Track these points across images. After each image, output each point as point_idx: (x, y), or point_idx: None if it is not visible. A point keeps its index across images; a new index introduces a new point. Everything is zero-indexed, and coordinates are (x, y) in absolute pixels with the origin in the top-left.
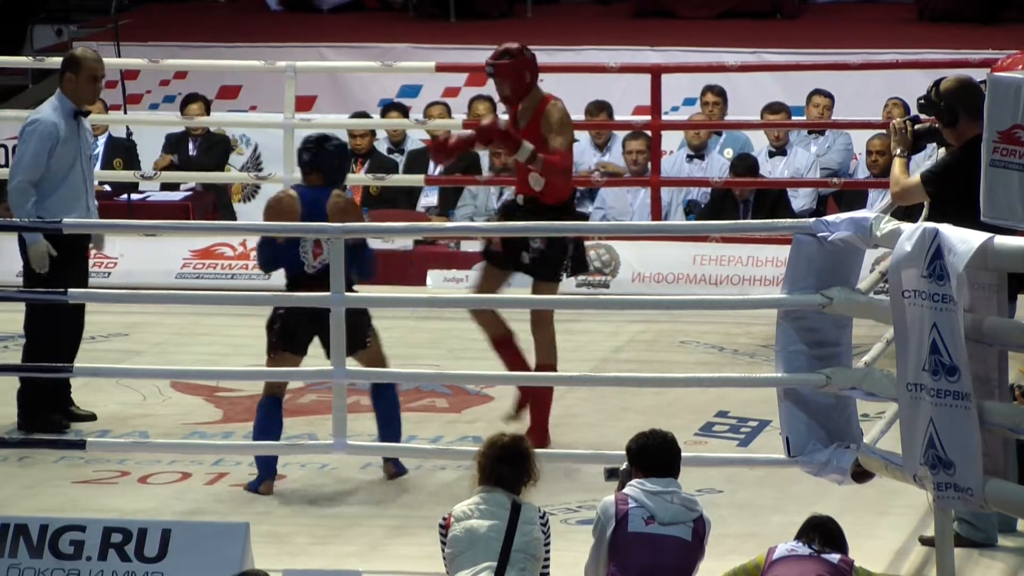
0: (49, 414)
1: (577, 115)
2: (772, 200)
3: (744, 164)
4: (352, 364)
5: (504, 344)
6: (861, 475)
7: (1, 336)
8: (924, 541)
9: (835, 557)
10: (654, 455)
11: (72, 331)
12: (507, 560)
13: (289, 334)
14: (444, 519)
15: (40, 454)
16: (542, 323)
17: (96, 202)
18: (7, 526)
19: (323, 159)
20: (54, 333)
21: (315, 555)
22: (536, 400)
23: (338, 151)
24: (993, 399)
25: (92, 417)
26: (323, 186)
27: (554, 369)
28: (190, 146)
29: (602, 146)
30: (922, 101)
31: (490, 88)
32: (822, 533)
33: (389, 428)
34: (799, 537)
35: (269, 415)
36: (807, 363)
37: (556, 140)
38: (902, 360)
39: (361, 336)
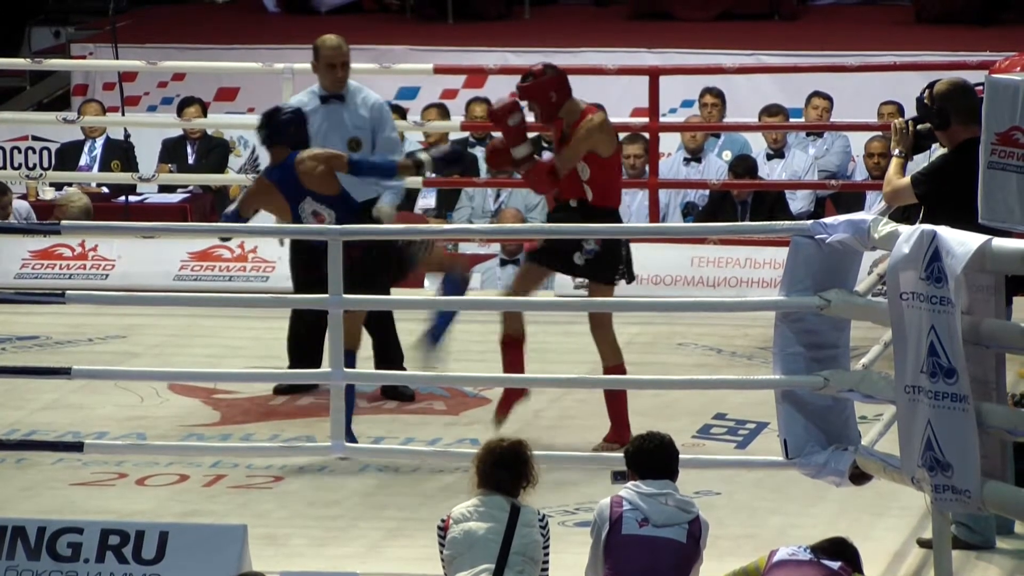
0: None
1: None
2: (770, 202)
3: (743, 165)
4: None
5: (514, 345)
6: (859, 477)
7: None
8: (922, 543)
9: (835, 564)
10: (650, 458)
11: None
12: (505, 563)
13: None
14: (443, 521)
15: (37, 456)
16: (601, 327)
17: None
18: (4, 528)
19: (279, 130)
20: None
21: (313, 557)
22: (614, 399)
23: (293, 117)
24: (991, 401)
25: None
26: (287, 157)
27: (623, 370)
28: (188, 152)
29: None
30: (918, 103)
31: (487, 90)
32: (834, 546)
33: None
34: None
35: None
36: (805, 365)
37: (566, 154)
38: (900, 362)
39: (408, 265)
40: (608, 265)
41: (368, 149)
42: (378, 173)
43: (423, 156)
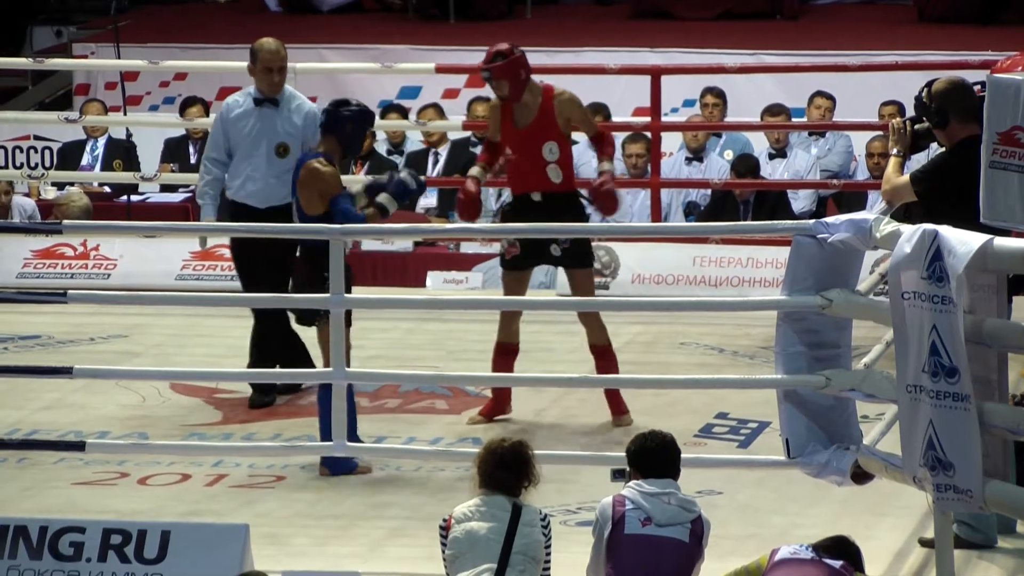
0: None
1: None
2: (772, 202)
3: (745, 164)
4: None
5: (508, 352)
6: (861, 476)
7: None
8: (924, 543)
9: (836, 563)
10: (652, 457)
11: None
12: (507, 562)
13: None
14: (444, 520)
15: (39, 455)
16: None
17: (265, 188)
18: (6, 527)
19: (338, 122)
20: (283, 335)
21: (315, 556)
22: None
23: (355, 115)
24: (993, 401)
25: None
26: (321, 152)
27: (611, 349)
28: (190, 152)
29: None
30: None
31: (489, 90)
32: (836, 544)
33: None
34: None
35: None
36: (807, 365)
37: (587, 123)
38: (902, 362)
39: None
40: (585, 250)
41: (296, 155)
42: (346, 222)
43: (383, 200)
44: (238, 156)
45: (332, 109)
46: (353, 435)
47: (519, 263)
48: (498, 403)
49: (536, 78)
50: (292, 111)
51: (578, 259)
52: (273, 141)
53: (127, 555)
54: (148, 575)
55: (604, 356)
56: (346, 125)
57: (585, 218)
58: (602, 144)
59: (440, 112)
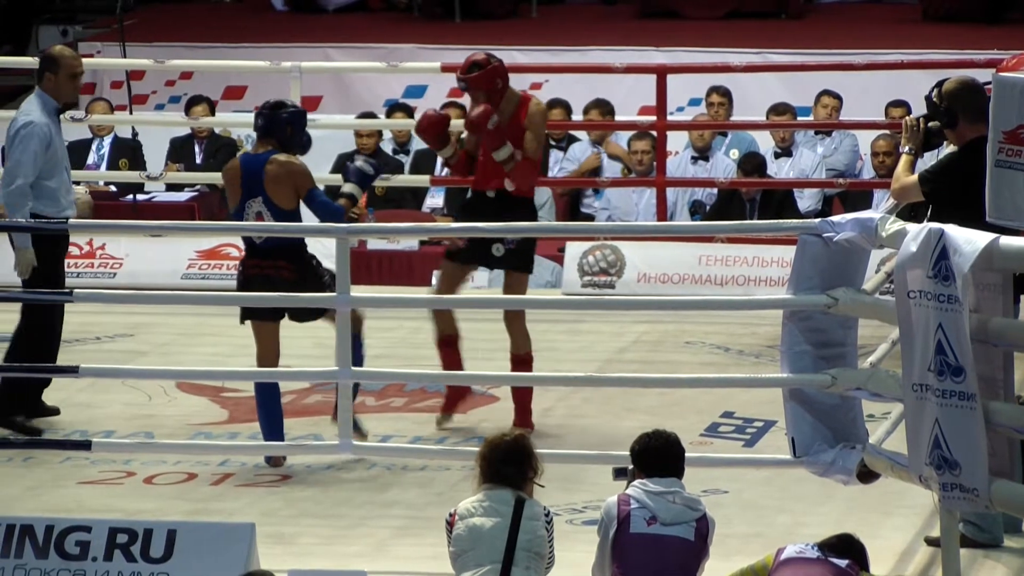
0: (15, 414)
1: (581, 115)
2: (778, 201)
3: (752, 162)
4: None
5: (450, 343)
6: (867, 475)
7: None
8: (930, 542)
9: (842, 562)
10: (656, 456)
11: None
12: (512, 559)
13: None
14: (449, 516)
15: (45, 455)
16: (516, 316)
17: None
18: (12, 527)
19: (277, 126)
20: (49, 333)
21: (321, 555)
22: (520, 391)
23: (292, 118)
24: (999, 400)
25: (56, 411)
26: (266, 152)
27: (531, 358)
28: (196, 151)
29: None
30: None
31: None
32: (841, 543)
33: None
34: (818, 544)
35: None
36: (812, 363)
37: (532, 143)
38: (907, 360)
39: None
40: (525, 255)
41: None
42: (327, 212)
43: (349, 189)
44: (58, 170)
45: (269, 112)
46: (279, 434)
47: (460, 256)
48: (455, 393)
49: (540, 77)
50: None
51: (518, 263)
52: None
53: (133, 554)
54: (154, 574)
55: (523, 365)
56: (286, 128)
57: (535, 220)
58: (520, 166)
59: (410, 113)
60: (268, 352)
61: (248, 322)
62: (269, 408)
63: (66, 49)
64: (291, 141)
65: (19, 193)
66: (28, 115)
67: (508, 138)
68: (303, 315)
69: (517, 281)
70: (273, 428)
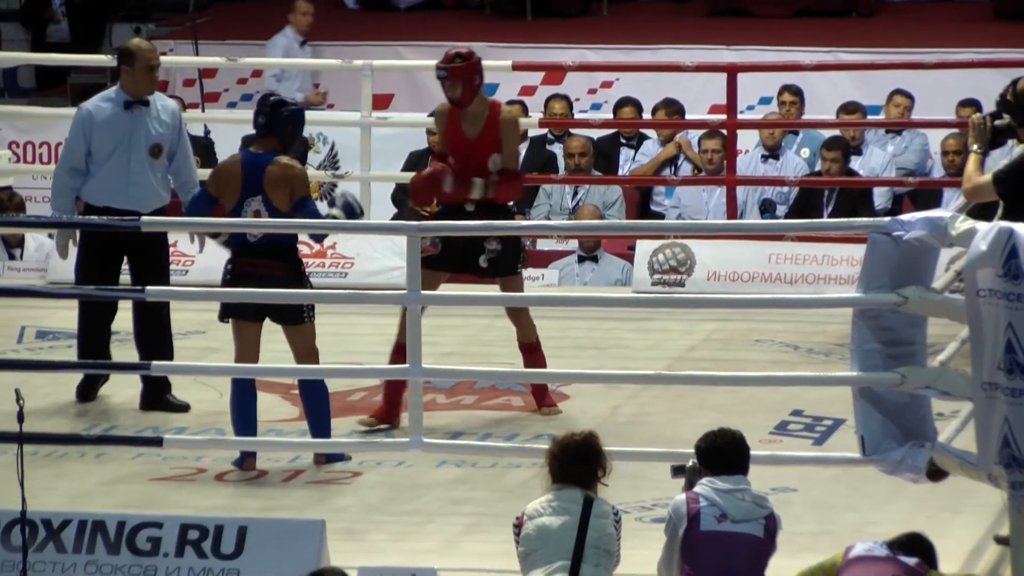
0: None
1: (650, 115)
2: (854, 199)
3: (838, 144)
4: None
5: (398, 351)
6: (936, 474)
7: (53, 332)
8: (999, 540)
9: (912, 560)
10: (722, 454)
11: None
12: (581, 556)
13: (230, 304)
14: (517, 519)
15: (117, 451)
16: (522, 309)
17: (145, 191)
18: (85, 523)
19: (278, 124)
20: (96, 330)
21: (391, 552)
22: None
23: (293, 116)
24: None
25: (186, 408)
26: (272, 152)
27: (539, 345)
28: None
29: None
30: (1000, 100)
31: (567, 87)
32: (910, 541)
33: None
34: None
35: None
36: (882, 362)
37: (510, 157)
38: (977, 359)
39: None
40: (510, 258)
41: (168, 155)
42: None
43: (335, 212)
44: (111, 159)
45: (271, 110)
46: (327, 431)
47: (434, 263)
48: (391, 407)
49: (610, 75)
50: (160, 111)
51: (505, 267)
52: (149, 143)
53: (204, 550)
54: (225, 570)
55: (532, 353)
56: (287, 126)
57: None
58: (504, 178)
59: (524, 110)
60: (248, 352)
61: (248, 323)
62: (242, 406)
63: (143, 42)
64: (291, 138)
65: (56, 176)
66: (86, 103)
67: (487, 141)
68: (289, 318)
69: (512, 283)
70: (245, 425)
